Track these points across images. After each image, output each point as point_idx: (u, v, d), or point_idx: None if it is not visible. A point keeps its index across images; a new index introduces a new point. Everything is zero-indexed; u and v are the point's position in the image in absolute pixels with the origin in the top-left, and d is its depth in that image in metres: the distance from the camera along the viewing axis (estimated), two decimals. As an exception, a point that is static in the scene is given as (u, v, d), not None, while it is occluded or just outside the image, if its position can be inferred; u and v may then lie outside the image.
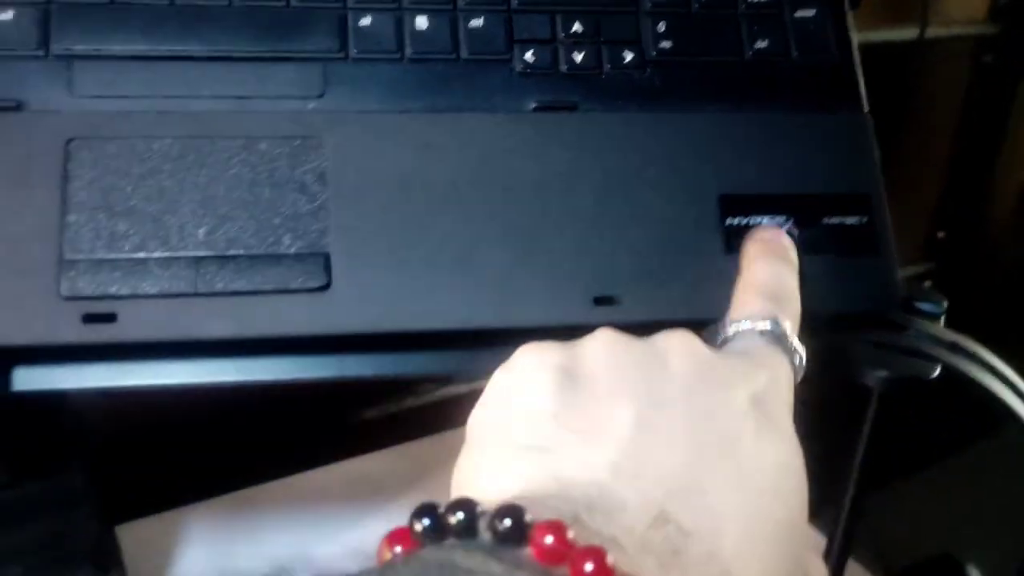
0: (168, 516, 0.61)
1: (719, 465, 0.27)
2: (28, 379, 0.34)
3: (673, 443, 0.27)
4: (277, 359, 0.35)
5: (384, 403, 0.72)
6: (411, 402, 0.73)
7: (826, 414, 0.39)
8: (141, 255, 0.33)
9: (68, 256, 0.33)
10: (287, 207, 0.35)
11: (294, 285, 0.34)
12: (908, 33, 0.74)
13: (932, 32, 0.75)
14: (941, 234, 0.85)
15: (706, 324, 0.36)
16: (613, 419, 0.27)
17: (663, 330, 0.31)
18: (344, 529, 0.62)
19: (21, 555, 0.46)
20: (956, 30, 0.79)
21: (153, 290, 0.33)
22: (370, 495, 0.65)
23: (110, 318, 0.33)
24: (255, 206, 0.35)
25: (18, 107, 0.34)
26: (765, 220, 0.38)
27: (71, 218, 0.33)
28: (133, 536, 0.56)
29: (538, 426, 0.27)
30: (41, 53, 0.35)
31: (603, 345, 0.30)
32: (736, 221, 0.38)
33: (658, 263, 0.37)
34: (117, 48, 0.36)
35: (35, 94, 0.35)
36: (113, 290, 0.33)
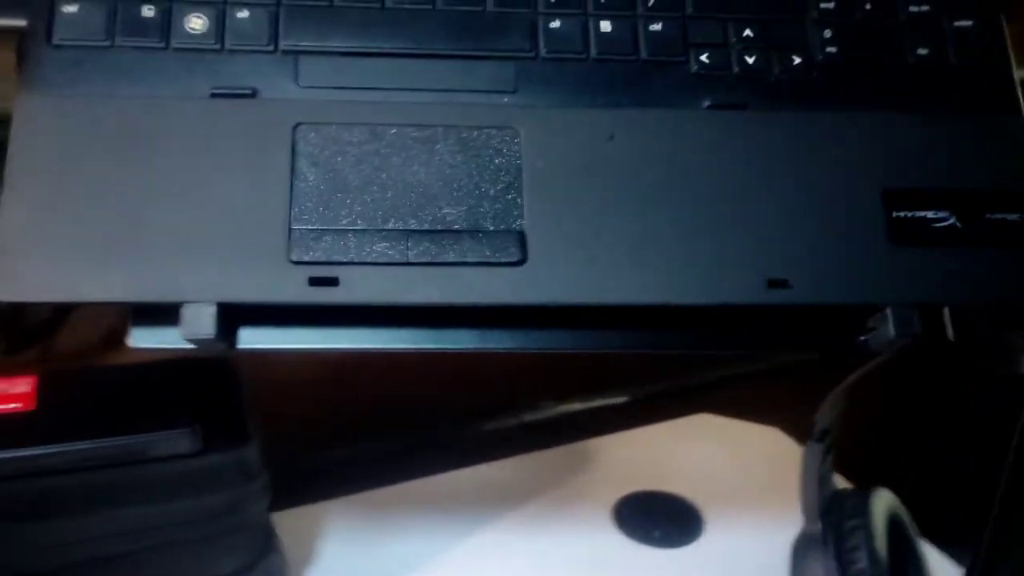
0: (309, 509, 0.64)
1: None
2: (252, 338, 0.38)
3: None
4: (475, 331, 0.38)
5: (513, 415, 0.75)
6: (537, 416, 0.77)
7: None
8: (360, 226, 0.37)
9: (295, 225, 0.37)
10: (487, 188, 0.38)
11: (493, 259, 0.37)
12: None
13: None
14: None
15: (870, 309, 0.39)
16: None
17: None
18: (469, 533, 0.64)
19: (199, 522, 0.49)
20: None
21: (370, 258, 0.37)
22: (495, 501, 0.67)
23: (333, 282, 0.36)
24: (459, 187, 0.38)
25: (253, 94, 0.38)
26: (929, 214, 0.40)
27: (298, 192, 0.37)
28: (279, 524, 0.59)
29: None
30: (271, 48, 0.39)
31: None
32: (901, 214, 0.40)
33: (827, 251, 0.39)
34: (336, 45, 0.40)
35: (266, 83, 0.39)
36: (336, 257, 0.36)
